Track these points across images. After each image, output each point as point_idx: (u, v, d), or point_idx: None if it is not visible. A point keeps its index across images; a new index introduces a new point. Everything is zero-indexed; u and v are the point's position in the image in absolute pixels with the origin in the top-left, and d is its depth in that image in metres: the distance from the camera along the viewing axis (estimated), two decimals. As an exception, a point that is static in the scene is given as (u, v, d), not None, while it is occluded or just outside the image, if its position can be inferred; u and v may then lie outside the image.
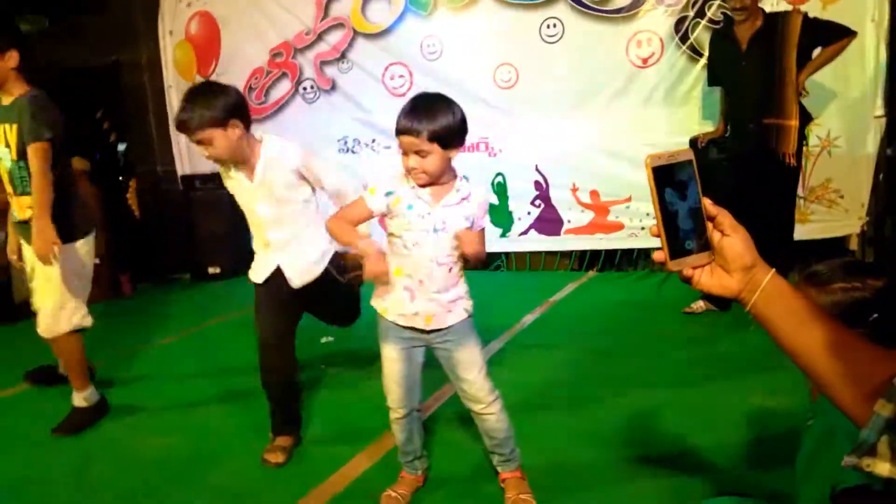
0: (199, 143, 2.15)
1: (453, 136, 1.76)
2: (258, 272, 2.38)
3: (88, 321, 2.74)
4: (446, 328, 1.86)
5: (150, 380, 3.31)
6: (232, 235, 5.73)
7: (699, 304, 3.74)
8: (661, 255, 0.82)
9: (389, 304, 1.87)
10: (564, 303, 4.30)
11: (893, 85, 4.14)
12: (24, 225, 2.60)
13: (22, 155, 2.53)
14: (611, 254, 5.06)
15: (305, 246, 2.35)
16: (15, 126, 2.53)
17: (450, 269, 1.82)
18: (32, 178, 2.46)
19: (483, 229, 1.89)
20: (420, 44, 5.19)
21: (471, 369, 1.88)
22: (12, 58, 2.51)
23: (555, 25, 4.81)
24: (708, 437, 2.26)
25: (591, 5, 4.70)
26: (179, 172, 6.15)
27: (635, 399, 2.64)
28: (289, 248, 2.33)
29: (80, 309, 2.69)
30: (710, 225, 0.83)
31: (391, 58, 5.31)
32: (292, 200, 2.30)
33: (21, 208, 2.60)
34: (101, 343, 3.91)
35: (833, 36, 3.45)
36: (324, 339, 3.68)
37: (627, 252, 5.07)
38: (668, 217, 0.80)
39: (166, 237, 6.15)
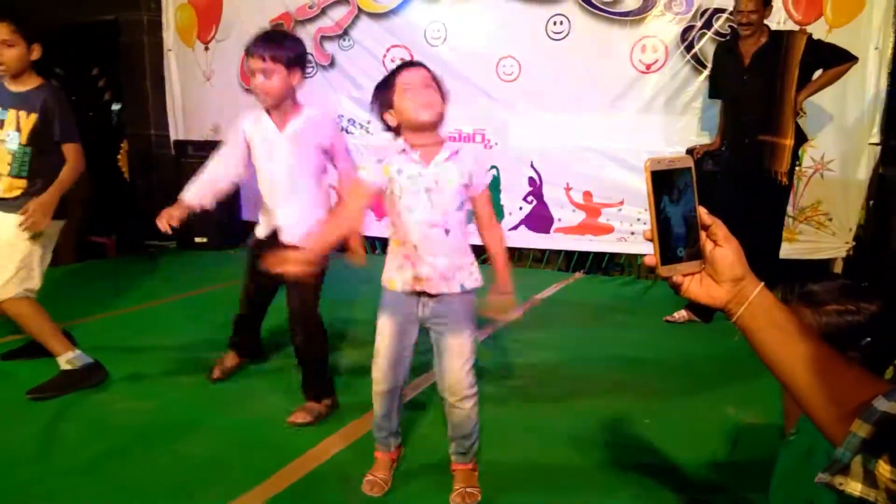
0: (260, 71, 2.29)
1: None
2: (262, 227, 2.55)
3: (35, 286, 2.72)
4: (439, 296, 1.84)
5: (126, 345, 3.29)
6: (222, 207, 5.70)
7: (682, 314, 3.78)
8: (652, 260, 0.82)
9: (395, 276, 1.87)
10: (548, 302, 4.32)
11: (891, 113, 4.18)
12: (3, 201, 2.68)
13: (31, 141, 2.66)
14: (599, 256, 5.09)
15: (308, 210, 2.45)
16: (33, 115, 2.66)
17: (446, 232, 1.81)
18: (68, 171, 2.68)
19: (487, 189, 1.90)
20: (424, 28, 5.18)
21: (456, 359, 1.87)
22: (36, 50, 2.68)
23: (562, 23, 4.81)
24: (681, 445, 2.29)
25: (600, 6, 4.70)
26: (173, 137, 6.11)
27: (610, 403, 2.66)
28: (293, 206, 2.46)
29: (32, 279, 2.69)
30: (703, 234, 0.84)
31: (394, 39, 5.29)
32: (312, 163, 2.45)
33: (11, 188, 2.68)
34: (80, 305, 3.91)
35: (835, 59, 3.48)
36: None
37: (615, 256, 5.11)
38: (662, 222, 0.81)
39: (155, 202, 6.10)
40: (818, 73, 3.52)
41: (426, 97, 1.78)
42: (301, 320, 2.49)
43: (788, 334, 0.81)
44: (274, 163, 2.43)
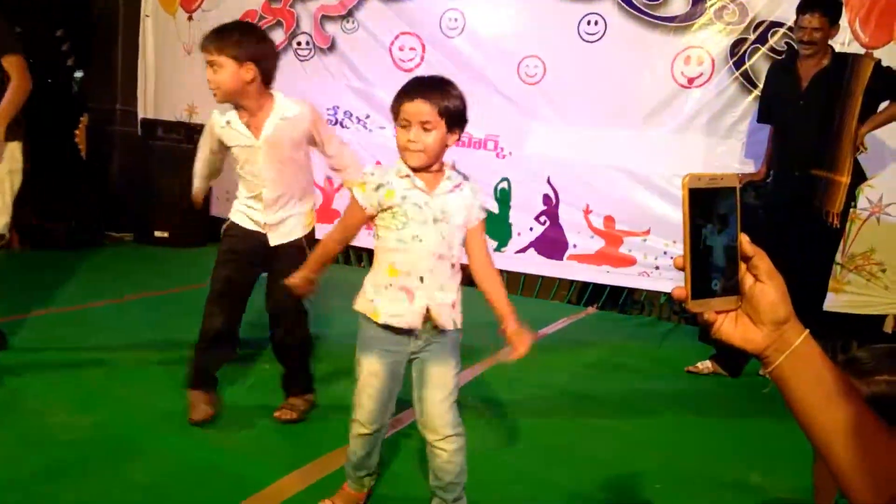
0: (209, 64, 2.47)
1: (459, 118, 1.87)
2: (242, 219, 2.66)
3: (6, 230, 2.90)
4: (439, 331, 1.91)
5: (69, 347, 3.29)
6: (187, 199, 5.75)
7: (706, 365, 3.79)
8: (681, 292, 0.81)
9: (381, 305, 1.89)
10: (555, 338, 4.34)
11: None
12: None
13: None
14: (616, 291, 5.11)
15: (295, 207, 2.66)
16: None
17: (452, 265, 1.90)
18: (15, 87, 2.82)
19: (483, 230, 1.97)
20: (440, 16, 5.24)
21: (437, 390, 1.92)
22: None
23: (596, 23, 4.88)
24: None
25: (641, 7, 4.76)
26: (140, 115, 6.14)
27: (617, 459, 2.68)
28: (279, 206, 2.62)
29: (4, 215, 2.85)
30: (743, 266, 0.82)
31: (404, 26, 5.36)
32: (294, 160, 2.61)
33: None
34: (21, 298, 3.91)
35: None
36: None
37: (634, 292, 5.13)
38: (697, 249, 0.80)
39: (114, 186, 6.13)
40: (884, 104, 3.57)
41: (414, 140, 1.81)
42: (287, 310, 2.66)
43: (831, 394, 0.81)
44: (255, 169, 2.57)
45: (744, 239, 0.82)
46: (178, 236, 5.75)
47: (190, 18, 6.00)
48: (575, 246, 5.10)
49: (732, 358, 3.73)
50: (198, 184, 2.89)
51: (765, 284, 0.82)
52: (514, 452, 2.67)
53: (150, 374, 3.07)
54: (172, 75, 6.12)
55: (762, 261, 0.83)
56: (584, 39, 4.93)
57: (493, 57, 5.13)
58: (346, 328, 2.08)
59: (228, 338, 2.70)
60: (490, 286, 1.94)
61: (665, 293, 4.92)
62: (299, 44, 5.68)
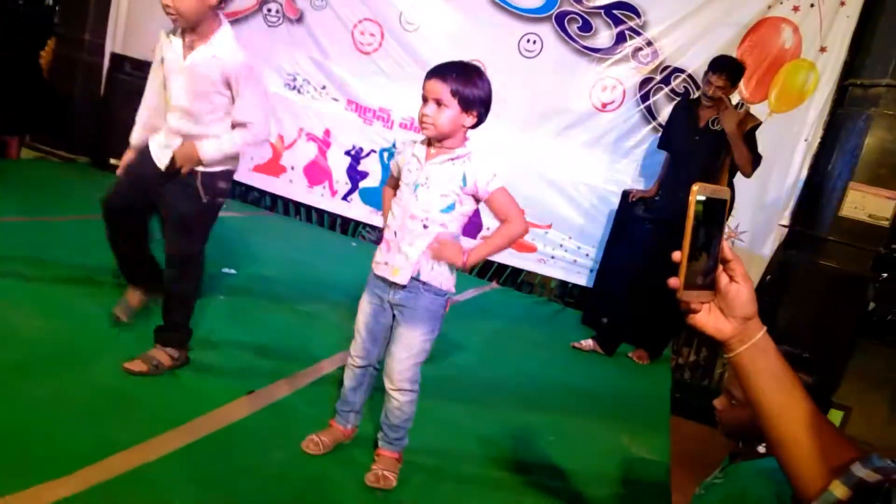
0: None
1: (475, 103, 1.85)
2: (153, 143, 2.28)
3: None
4: (404, 286, 1.87)
5: (27, 255, 3.07)
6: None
7: (588, 343, 3.96)
8: (676, 282, 0.84)
9: (376, 256, 1.95)
10: (468, 306, 4.40)
11: (803, 202, 4.58)
12: None
13: None
14: (515, 272, 5.24)
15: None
16: None
17: (424, 227, 1.86)
18: None
19: (504, 197, 1.96)
20: (401, 11, 5.14)
21: (402, 349, 1.92)
22: None
23: (535, 42, 4.93)
24: (580, 465, 2.43)
25: (574, 36, 4.86)
26: (109, 49, 5.71)
27: (519, 415, 2.78)
28: (181, 137, 2.20)
29: None
30: (720, 267, 0.86)
31: (369, 13, 5.22)
32: (208, 100, 2.16)
33: None
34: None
35: (749, 144, 3.71)
36: (224, 269, 3.59)
37: (531, 275, 5.27)
38: (693, 248, 0.83)
39: (74, 111, 5.69)
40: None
41: (427, 114, 1.81)
42: (181, 253, 2.28)
43: (782, 382, 0.87)
44: (172, 87, 2.18)
45: (725, 245, 0.86)
46: (131, 167, 5.43)
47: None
48: (488, 228, 5.17)
49: (609, 340, 3.92)
50: (137, 134, 2.35)
51: (740, 285, 0.86)
52: (436, 399, 2.69)
53: (105, 292, 2.87)
54: (146, 14, 5.70)
55: (739, 265, 0.87)
56: (522, 54, 4.97)
57: (442, 55, 4.97)
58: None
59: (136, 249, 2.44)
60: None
61: (556, 279, 5.09)
62: (269, 10, 5.43)
